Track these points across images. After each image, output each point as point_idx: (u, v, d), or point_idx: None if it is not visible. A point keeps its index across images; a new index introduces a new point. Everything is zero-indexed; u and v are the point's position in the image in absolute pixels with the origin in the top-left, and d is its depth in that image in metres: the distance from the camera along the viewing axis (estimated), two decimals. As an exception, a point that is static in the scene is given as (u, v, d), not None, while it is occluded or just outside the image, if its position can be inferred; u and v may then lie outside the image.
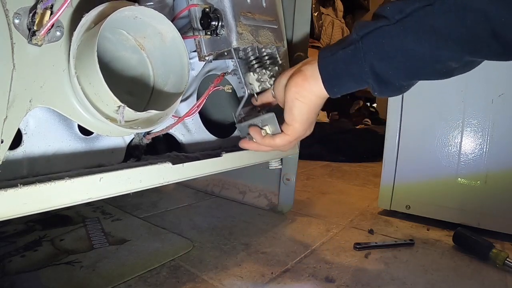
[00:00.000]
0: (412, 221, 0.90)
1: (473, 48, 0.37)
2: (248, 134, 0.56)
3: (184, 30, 0.57)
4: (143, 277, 0.59)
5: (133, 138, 0.55)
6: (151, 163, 0.50)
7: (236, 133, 0.73)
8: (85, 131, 0.47)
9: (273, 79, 0.58)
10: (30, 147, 0.42)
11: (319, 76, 0.46)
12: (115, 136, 0.51)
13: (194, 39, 0.55)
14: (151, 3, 0.51)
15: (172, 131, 0.62)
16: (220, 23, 0.51)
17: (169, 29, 0.48)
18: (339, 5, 2.84)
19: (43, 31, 0.38)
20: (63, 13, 0.38)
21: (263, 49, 0.59)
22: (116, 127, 0.43)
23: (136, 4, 0.44)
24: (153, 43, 0.51)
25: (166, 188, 1.14)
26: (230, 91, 0.63)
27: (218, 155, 0.61)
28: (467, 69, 0.42)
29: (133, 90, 0.53)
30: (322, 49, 0.47)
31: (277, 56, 0.61)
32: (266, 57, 0.59)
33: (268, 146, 0.55)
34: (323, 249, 0.72)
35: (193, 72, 0.64)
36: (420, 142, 0.90)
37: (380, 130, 1.69)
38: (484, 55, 0.38)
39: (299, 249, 0.72)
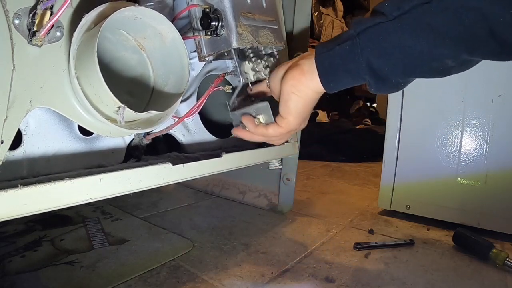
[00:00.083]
0: (412, 221, 0.90)
1: (471, 47, 0.37)
2: (242, 122, 0.57)
3: (184, 31, 0.57)
4: (143, 277, 0.59)
5: (133, 138, 0.56)
6: (151, 164, 0.50)
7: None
8: (85, 132, 0.47)
9: (268, 69, 0.58)
10: (30, 148, 0.42)
11: (316, 71, 0.46)
12: (115, 137, 0.51)
13: (194, 40, 0.55)
14: (151, 3, 0.51)
15: (172, 132, 0.62)
16: (220, 24, 0.51)
17: (169, 30, 0.48)
18: (339, 5, 2.84)
19: (43, 31, 0.38)
20: (63, 14, 0.38)
21: (263, 50, 0.59)
22: (116, 128, 0.43)
23: (136, 4, 0.44)
24: (153, 43, 0.51)
25: (166, 188, 1.14)
26: (230, 91, 0.63)
27: (218, 155, 0.61)
28: (464, 68, 0.42)
29: (133, 90, 0.53)
30: (319, 44, 0.47)
31: (274, 52, 0.61)
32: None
33: (261, 136, 0.55)
34: (323, 249, 0.72)
35: (193, 72, 0.64)
36: (420, 142, 0.90)
37: (380, 130, 1.69)
38: (482, 54, 0.38)
39: (299, 249, 0.72)
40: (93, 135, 0.49)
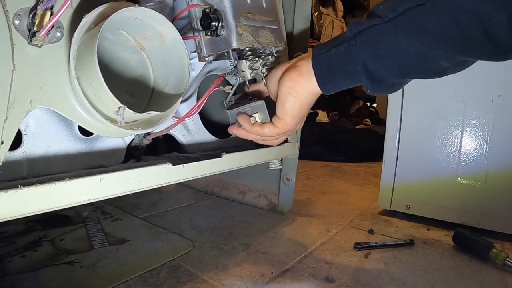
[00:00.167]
0: (412, 221, 0.90)
1: (466, 48, 0.37)
2: (237, 120, 0.57)
3: (184, 31, 0.57)
4: (143, 277, 0.59)
5: (133, 138, 0.56)
6: (151, 164, 0.50)
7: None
8: (85, 132, 0.47)
9: (265, 67, 0.58)
10: (30, 148, 0.42)
11: (313, 73, 0.46)
12: (115, 137, 0.51)
13: (194, 40, 0.55)
14: (151, 3, 0.51)
15: (172, 132, 0.62)
16: (220, 24, 0.51)
17: (169, 30, 0.48)
18: (339, 5, 2.84)
19: (43, 32, 0.37)
20: (63, 14, 0.38)
21: (263, 51, 0.59)
22: (116, 128, 0.43)
23: (136, 5, 0.44)
24: (153, 44, 0.51)
25: (166, 188, 1.14)
26: (230, 91, 0.63)
27: (218, 155, 0.61)
28: (460, 69, 0.42)
29: (133, 91, 0.53)
30: (316, 46, 0.48)
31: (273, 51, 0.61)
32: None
33: (256, 134, 0.55)
34: (323, 249, 0.72)
35: (193, 72, 0.64)
36: (420, 142, 0.90)
37: (380, 130, 1.69)
38: (477, 55, 0.38)
39: (299, 249, 0.72)
40: (93, 135, 0.49)
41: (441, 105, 0.87)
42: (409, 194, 0.92)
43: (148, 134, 0.57)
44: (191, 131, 0.66)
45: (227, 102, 0.63)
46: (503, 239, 0.78)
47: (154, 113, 0.45)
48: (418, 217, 0.91)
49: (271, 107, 0.53)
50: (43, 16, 0.38)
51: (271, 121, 0.53)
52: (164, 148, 0.66)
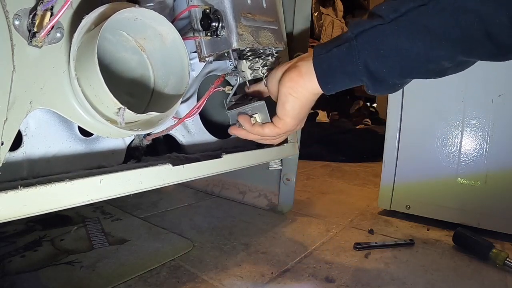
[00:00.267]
0: (412, 221, 0.90)
1: (467, 48, 0.37)
2: (238, 121, 0.57)
3: (185, 31, 0.57)
4: (143, 277, 0.59)
5: (133, 139, 0.56)
6: (151, 165, 0.50)
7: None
8: (85, 133, 0.47)
9: (265, 67, 0.58)
10: (30, 149, 0.42)
11: (314, 73, 0.46)
12: (115, 138, 0.51)
13: (195, 40, 0.55)
14: (152, 4, 0.51)
15: (172, 132, 0.62)
16: (220, 24, 0.51)
17: (169, 31, 0.48)
18: (339, 5, 2.84)
19: (43, 32, 0.37)
20: (64, 15, 0.38)
21: (263, 51, 0.59)
22: (116, 129, 0.43)
23: (137, 5, 0.44)
24: (153, 44, 0.51)
25: (166, 188, 1.14)
26: (231, 92, 0.63)
27: (218, 156, 0.61)
28: (460, 69, 0.42)
29: (133, 91, 0.53)
30: (316, 46, 0.48)
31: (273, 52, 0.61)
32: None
33: (257, 135, 0.55)
34: (323, 249, 0.72)
35: (193, 73, 0.64)
36: (420, 142, 0.90)
37: (380, 130, 1.69)
38: (478, 55, 0.38)
39: (299, 249, 0.72)
40: (93, 136, 0.49)
41: (441, 105, 0.87)
42: (409, 194, 0.92)
43: (148, 134, 0.57)
44: (191, 132, 0.66)
45: (227, 102, 0.63)
46: (503, 239, 0.78)
47: (154, 114, 0.45)
48: (418, 217, 0.91)
49: (272, 107, 0.53)
50: (43, 16, 0.38)
51: (272, 121, 0.53)
52: (164, 149, 0.66)
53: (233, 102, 0.62)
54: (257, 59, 0.58)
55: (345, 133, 2.02)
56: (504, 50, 0.36)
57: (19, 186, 0.36)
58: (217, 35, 0.52)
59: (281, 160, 0.86)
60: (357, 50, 0.42)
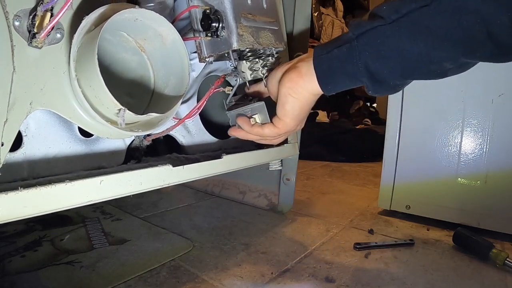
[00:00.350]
0: (412, 221, 0.90)
1: (469, 49, 0.37)
2: (237, 122, 0.57)
3: (185, 32, 0.57)
4: (143, 277, 0.59)
5: (133, 140, 0.56)
6: (152, 165, 0.50)
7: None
8: (85, 133, 0.47)
9: (265, 68, 0.58)
10: (30, 149, 0.42)
11: (314, 74, 0.46)
12: (115, 138, 0.51)
13: (195, 41, 0.55)
14: (152, 4, 0.51)
15: (172, 133, 0.62)
16: (220, 25, 0.51)
17: (169, 31, 0.48)
18: (339, 5, 2.84)
19: (43, 33, 0.37)
20: (64, 16, 0.38)
21: (263, 52, 0.59)
22: (116, 130, 0.43)
23: (137, 6, 0.44)
24: (153, 45, 0.51)
25: (166, 188, 1.14)
26: (231, 92, 0.63)
27: (219, 156, 0.61)
28: (461, 70, 0.42)
29: (134, 92, 0.53)
30: (317, 46, 0.48)
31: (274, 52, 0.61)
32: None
33: (256, 135, 0.55)
34: (323, 249, 0.72)
35: (194, 73, 0.64)
36: (420, 142, 0.90)
37: (380, 130, 1.69)
38: (480, 56, 0.38)
39: (299, 249, 0.72)
40: (93, 136, 0.49)
41: (441, 105, 0.87)
42: (409, 194, 0.92)
43: (148, 135, 0.57)
44: (192, 132, 0.66)
45: (227, 103, 0.63)
46: (503, 239, 0.78)
47: (154, 115, 0.45)
48: (418, 217, 0.91)
49: (271, 107, 0.53)
50: (43, 17, 0.38)
51: (272, 122, 0.53)
52: (164, 149, 0.66)
53: (233, 103, 0.62)
54: (257, 60, 0.58)
55: (345, 133, 2.03)
56: (505, 51, 0.36)
57: (19, 187, 0.36)
58: (217, 36, 0.52)
59: (281, 160, 0.86)
60: (358, 51, 0.42)
